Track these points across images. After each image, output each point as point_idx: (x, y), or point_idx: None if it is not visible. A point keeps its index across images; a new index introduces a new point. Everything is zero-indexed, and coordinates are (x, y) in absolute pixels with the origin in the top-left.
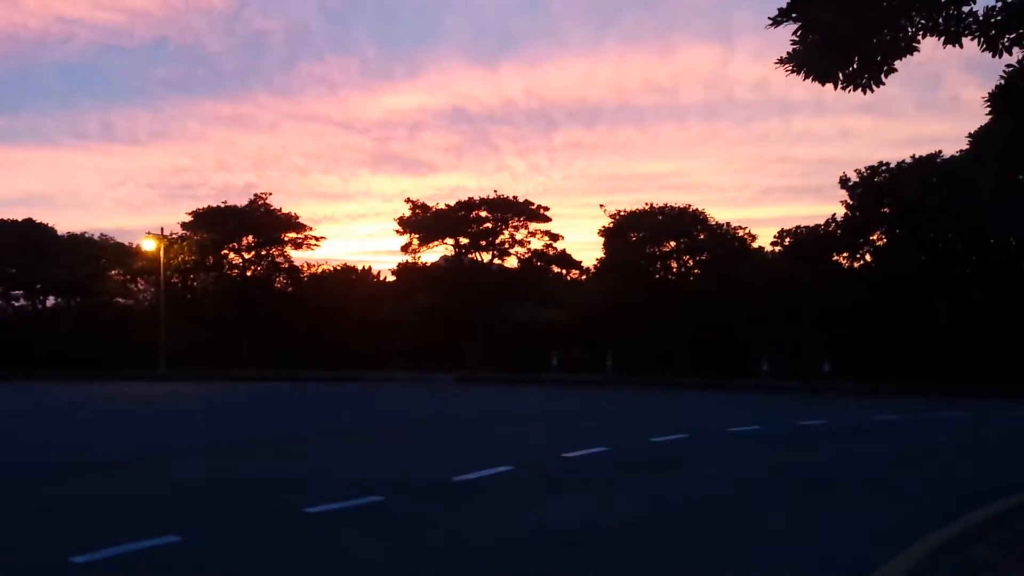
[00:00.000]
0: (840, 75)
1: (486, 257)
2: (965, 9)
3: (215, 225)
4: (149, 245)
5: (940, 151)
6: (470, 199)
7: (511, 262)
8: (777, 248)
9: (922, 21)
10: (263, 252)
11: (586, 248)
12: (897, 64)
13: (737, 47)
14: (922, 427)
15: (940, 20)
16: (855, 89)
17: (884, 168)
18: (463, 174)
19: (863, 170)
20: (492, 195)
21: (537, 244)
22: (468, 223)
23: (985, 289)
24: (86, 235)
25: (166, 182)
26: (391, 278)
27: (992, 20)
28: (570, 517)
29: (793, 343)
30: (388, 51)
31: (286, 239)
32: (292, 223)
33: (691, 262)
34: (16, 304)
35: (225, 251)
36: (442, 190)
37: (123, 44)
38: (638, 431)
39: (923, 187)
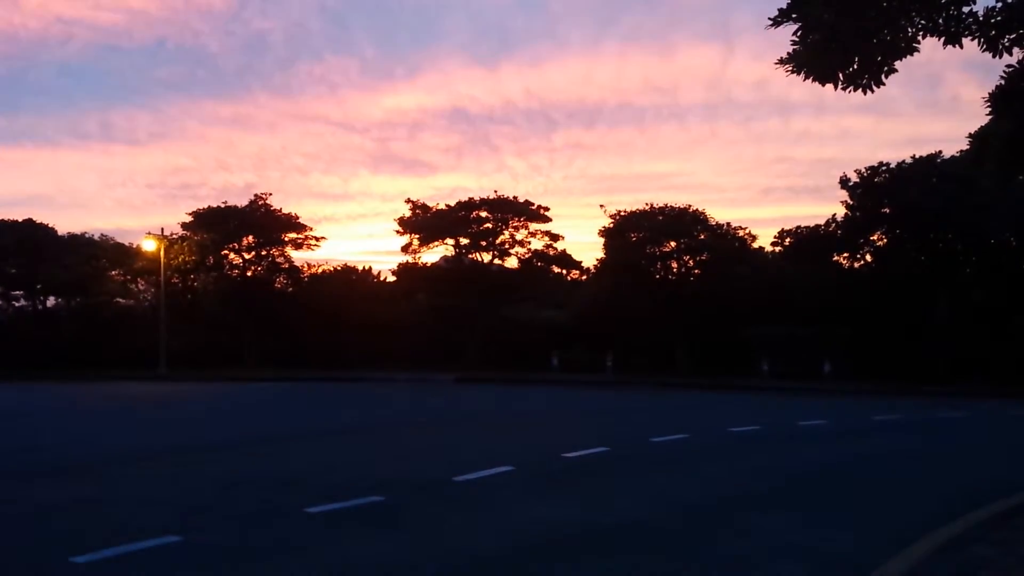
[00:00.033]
0: (840, 75)
1: (486, 257)
2: (965, 9)
3: (215, 225)
4: (149, 245)
5: (940, 151)
6: (470, 199)
7: (511, 262)
8: (777, 248)
9: (922, 21)
10: (263, 252)
11: (586, 248)
12: (897, 64)
13: (737, 47)
14: (922, 427)
15: (940, 20)
16: (855, 89)
17: (884, 168)
18: (463, 174)
19: (863, 170)
20: (492, 195)
21: (537, 244)
22: (468, 223)
23: (985, 289)
24: (86, 235)
25: (166, 182)
26: (391, 278)
27: (992, 20)
28: (571, 517)
29: (793, 343)
30: (388, 51)
31: (286, 239)
32: (292, 223)
33: (691, 262)
34: (16, 304)
35: (225, 251)
36: (442, 190)
37: (123, 44)
38: (638, 431)
39: (923, 187)
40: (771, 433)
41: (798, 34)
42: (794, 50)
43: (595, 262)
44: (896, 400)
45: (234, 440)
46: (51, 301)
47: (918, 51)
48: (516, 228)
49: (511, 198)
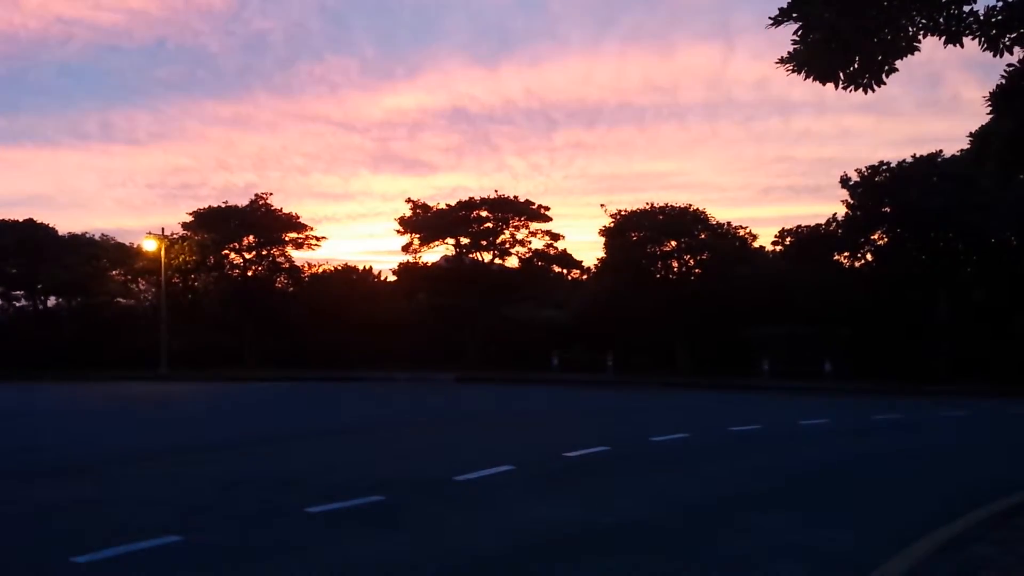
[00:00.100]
0: (841, 75)
1: (487, 257)
2: (966, 8)
3: (216, 225)
4: (150, 245)
5: (941, 151)
6: (471, 199)
7: (512, 262)
8: (778, 248)
9: (923, 20)
10: (264, 252)
11: (587, 248)
12: (898, 64)
13: (737, 47)
14: (923, 426)
15: (941, 20)
16: (856, 89)
17: (885, 168)
18: (463, 174)
19: (864, 170)
20: (492, 195)
21: (538, 244)
22: (469, 223)
23: (986, 288)
24: (87, 235)
25: (166, 182)
26: (392, 278)
27: (993, 19)
28: (571, 516)
29: (794, 342)
30: (388, 51)
31: (287, 239)
32: (293, 223)
33: (692, 262)
34: (17, 304)
35: (226, 251)
36: (442, 190)
37: (123, 44)
38: (639, 431)
39: (924, 187)
40: (771, 433)
41: (799, 33)
42: (795, 49)
43: (595, 262)
44: (896, 399)
45: (234, 440)
46: (52, 301)
47: (919, 50)
48: (516, 228)
49: (511, 198)
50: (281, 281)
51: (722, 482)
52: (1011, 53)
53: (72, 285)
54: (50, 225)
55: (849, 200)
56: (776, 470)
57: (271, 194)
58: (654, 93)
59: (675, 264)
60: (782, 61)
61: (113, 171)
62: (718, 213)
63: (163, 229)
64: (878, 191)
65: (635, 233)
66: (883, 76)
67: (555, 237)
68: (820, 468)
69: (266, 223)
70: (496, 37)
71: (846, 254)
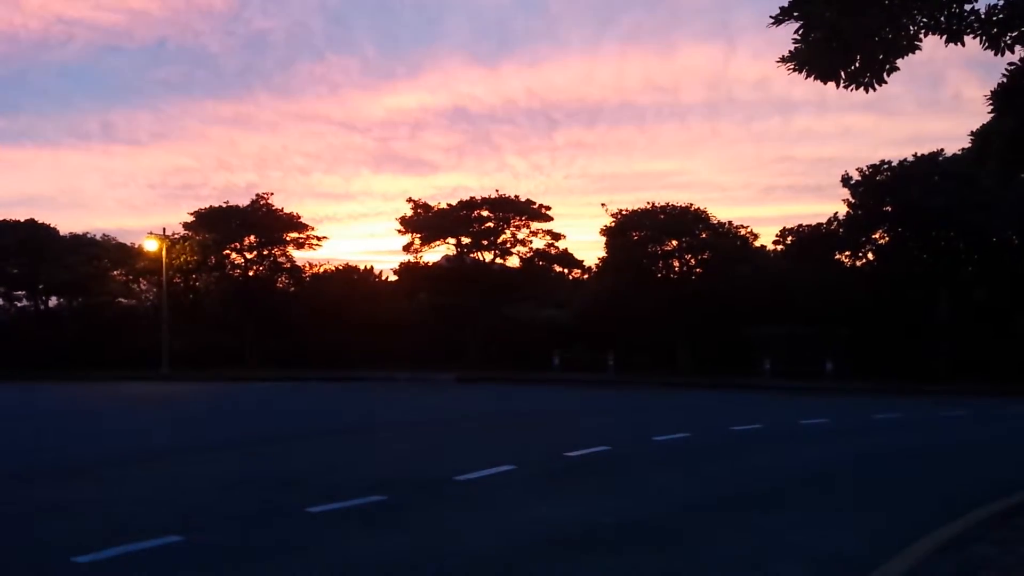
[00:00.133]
0: (842, 74)
1: (488, 256)
2: (967, 7)
3: (217, 225)
4: (151, 245)
5: (942, 149)
6: (472, 198)
7: (513, 261)
8: (779, 247)
9: (924, 19)
10: (265, 252)
11: (588, 247)
12: (899, 62)
13: (738, 46)
14: (923, 426)
15: (942, 18)
16: (857, 88)
17: (886, 167)
18: (464, 173)
19: (865, 169)
20: (493, 194)
21: (539, 243)
22: (470, 222)
23: (987, 288)
24: (88, 235)
25: (167, 182)
26: (393, 278)
27: (994, 18)
28: (572, 516)
29: (795, 342)
30: (389, 51)
31: (288, 239)
32: (294, 223)
33: (693, 261)
34: (18, 305)
35: (227, 251)
36: (443, 189)
37: (123, 45)
38: (640, 430)
39: (925, 186)
40: (772, 432)
41: (799, 32)
42: (796, 48)
43: (596, 261)
44: (897, 399)
45: (235, 440)
46: (53, 301)
47: (920, 49)
48: (517, 227)
49: (512, 197)
50: (282, 281)
51: (723, 482)
52: (1012, 52)
53: (73, 285)
54: (51, 225)
55: (850, 199)
56: (777, 470)
57: (272, 194)
58: (655, 93)
59: (676, 263)
60: (783, 60)
61: (114, 171)
62: (719, 212)
63: (164, 229)
64: (879, 190)
65: (636, 232)
66: (884, 75)
67: (556, 237)
68: (820, 468)
69: (267, 223)
70: (497, 37)
71: (847, 253)
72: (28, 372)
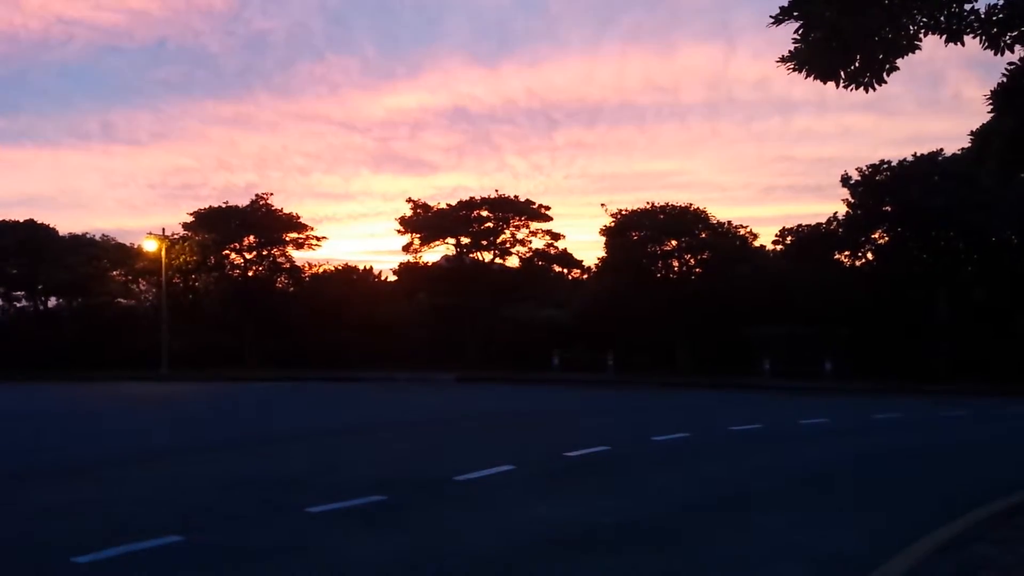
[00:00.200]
0: (842, 73)
1: (487, 257)
2: (967, 7)
3: (216, 225)
4: (150, 246)
5: (942, 149)
6: (471, 199)
7: (512, 261)
8: (778, 247)
9: (924, 19)
10: (264, 252)
11: (587, 247)
12: (899, 62)
13: (738, 46)
14: (923, 426)
15: (942, 18)
16: (857, 87)
17: (886, 166)
18: (464, 174)
19: (865, 168)
20: (493, 194)
21: (538, 243)
22: (469, 223)
23: (987, 288)
24: (87, 236)
25: (167, 182)
26: (392, 278)
27: (994, 18)
28: (571, 516)
29: (794, 342)
30: (389, 51)
31: (287, 239)
32: (293, 223)
33: (692, 261)
34: (18, 305)
35: (226, 251)
36: (443, 190)
37: (123, 45)
38: (639, 430)
39: (925, 185)
40: (772, 432)
41: (799, 32)
42: (795, 48)
43: (596, 261)
44: (897, 399)
45: (235, 440)
46: (52, 302)
47: (920, 49)
48: (517, 227)
49: (512, 197)
50: (282, 281)
51: (722, 482)
52: (1012, 51)
53: (73, 285)
54: (51, 226)
55: (850, 199)
56: (776, 470)
57: (272, 194)
58: (655, 92)
59: (676, 263)
60: (783, 60)
61: (114, 171)
62: (719, 212)
63: (164, 229)
64: (879, 190)
65: (636, 232)
66: (884, 75)
67: (556, 237)
68: (820, 468)
69: (267, 223)
70: (496, 37)
71: (847, 253)
72: (27, 372)
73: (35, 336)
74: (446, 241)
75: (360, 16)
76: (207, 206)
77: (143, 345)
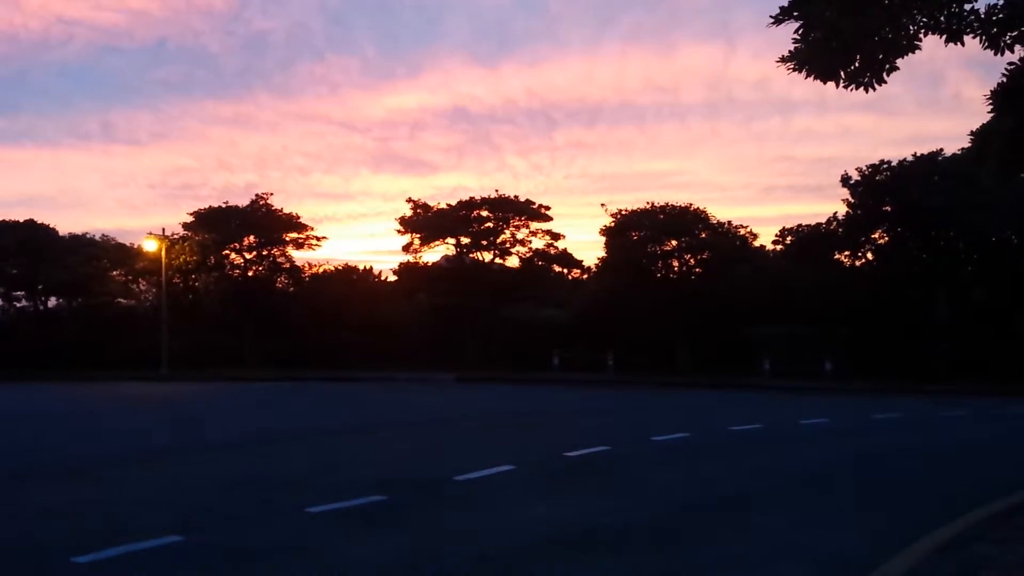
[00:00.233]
0: (842, 73)
1: (487, 257)
2: (967, 7)
3: (216, 225)
4: (150, 246)
5: (942, 149)
6: (471, 199)
7: (512, 261)
8: (778, 247)
9: (924, 19)
10: (264, 252)
11: (587, 247)
12: (899, 62)
13: (738, 46)
14: (923, 425)
15: (942, 18)
16: (857, 87)
17: (885, 166)
18: (464, 174)
19: (864, 168)
20: (493, 194)
21: (538, 243)
22: (469, 223)
23: (986, 288)
24: (87, 236)
25: (167, 182)
26: (392, 278)
27: (994, 18)
28: (571, 516)
29: (794, 342)
30: (389, 51)
31: (287, 239)
32: (293, 223)
33: (692, 261)
34: (18, 305)
35: (226, 251)
36: (443, 190)
37: (123, 45)
38: (639, 430)
39: (925, 185)
40: (772, 432)
41: (799, 32)
42: (795, 48)
43: (596, 261)
44: (897, 399)
45: (235, 440)
46: (52, 302)
47: (920, 49)
48: (517, 227)
49: (512, 197)
50: (282, 281)
51: (722, 482)
52: (1012, 51)
53: (73, 285)
54: (51, 226)
55: (850, 199)
56: (776, 470)
57: (272, 194)
58: (655, 92)
59: (676, 263)
60: (783, 60)
61: (114, 171)
62: (719, 212)
63: (164, 229)
64: (879, 190)
65: (636, 232)
66: (884, 75)
67: (556, 237)
68: (820, 468)
69: (267, 223)
70: (496, 37)
71: (847, 253)
72: (27, 372)
73: (35, 336)
74: (446, 241)
75: (360, 16)
76: (207, 206)
77: (143, 345)
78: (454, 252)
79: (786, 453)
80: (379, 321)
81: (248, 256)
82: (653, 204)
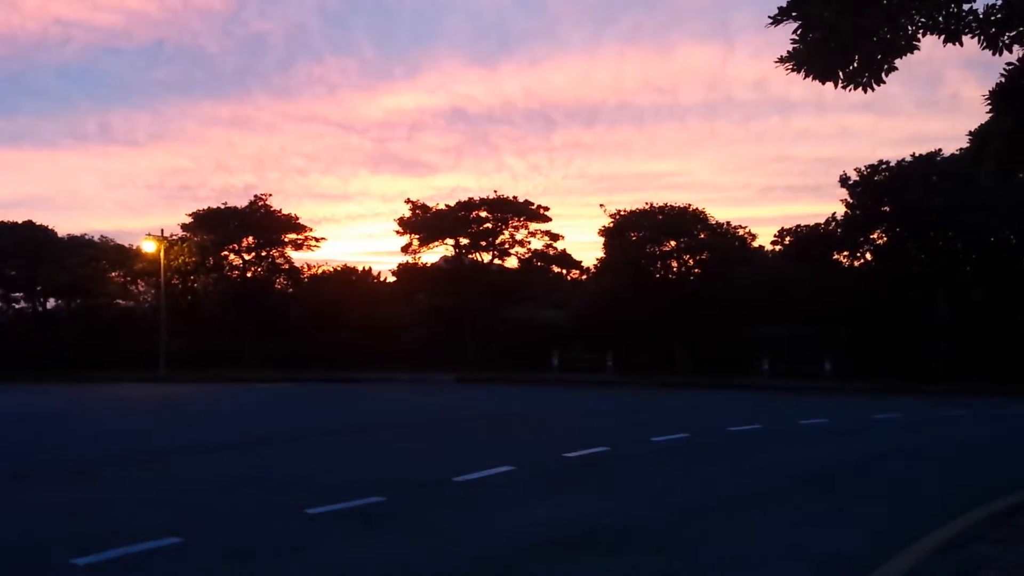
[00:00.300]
0: (840, 74)
1: (486, 257)
2: (965, 7)
3: (215, 226)
4: (149, 247)
5: (940, 149)
6: (470, 199)
7: (511, 262)
8: (777, 247)
9: (922, 19)
10: (263, 253)
11: (586, 248)
12: (897, 62)
13: (736, 46)
14: (923, 425)
15: (940, 18)
16: (855, 88)
17: (884, 167)
18: (462, 174)
19: (863, 169)
20: (492, 195)
21: (537, 244)
22: (468, 223)
23: (985, 288)
24: (86, 237)
25: (165, 183)
26: (391, 279)
27: (992, 18)
28: (571, 517)
29: (793, 342)
30: (387, 51)
31: (286, 240)
32: (292, 224)
33: (691, 261)
34: (16, 306)
35: (225, 252)
36: (441, 190)
37: (121, 46)
38: (639, 431)
39: (923, 186)
40: (771, 432)
41: (798, 32)
42: (794, 48)
43: (595, 262)
44: (897, 399)
45: (234, 441)
46: (51, 303)
47: (918, 49)
48: (516, 228)
49: (511, 198)
50: (280, 282)
51: (722, 482)
52: (1010, 51)
53: (71, 287)
54: (49, 227)
55: (848, 199)
56: (776, 470)
57: (270, 195)
58: (653, 93)
59: (674, 264)
60: (781, 60)
61: (112, 172)
62: (717, 213)
63: (162, 230)
64: (877, 190)
65: (634, 233)
66: (882, 75)
67: (554, 237)
68: (820, 468)
69: (265, 224)
70: (495, 37)
71: (845, 253)
72: (26, 374)
73: (34, 337)
74: (445, 242)
75: (358, 17)
76: (206, 207)
77: (142, 346)
78: (453, 253)
79: (786, 453)
80: (378, 322)
81: (247, 257)
82: (652, 205)
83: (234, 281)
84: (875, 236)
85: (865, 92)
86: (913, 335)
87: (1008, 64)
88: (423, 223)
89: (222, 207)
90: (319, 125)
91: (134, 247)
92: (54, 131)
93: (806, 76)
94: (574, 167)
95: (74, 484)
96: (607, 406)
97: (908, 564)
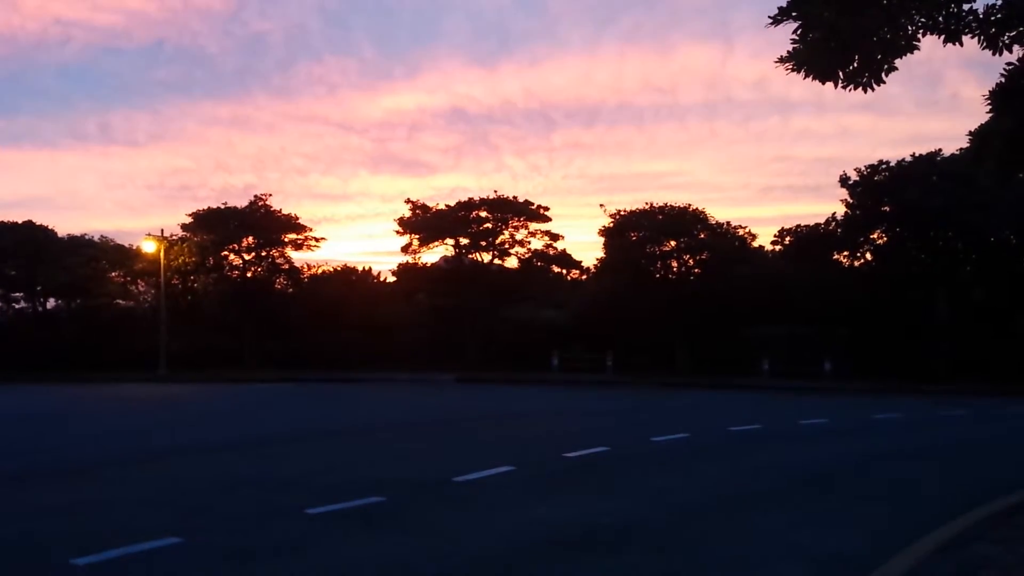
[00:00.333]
0: (840, 74)
1: (486, 257)
2: (965, 7)
3: (215, 226)
4: (149, 247)
5: (940, 149)
6: (470, 199)
7: (511, 262)
8: (777, 247)
9: (922, 19)
10: (263, 253)
11: (586, 248)
12: (897, 62)
13: (736, 46)
14: (923, 425)
15: (940, 18)
16: (855, 88)
17: (884, 167)
18: (462, 174)
19: (863, 169)
20: (492, 195)
21: (537, 244)
22: (468, 223)
23: (985, 288)
24: (86, 237)
25: (165, 183)
26: (391, 279)
27: (992, 18)
28: (571, 517)
29: (793, 342)
30: (387, 51)
31: (286, 240)
32: (292, 224)
33: (691, 261)
34: (16, 306)
35: (225, 252)
36: (441, 190)
37: (121, 46)
38: (639, 431)
39: (923, 186)
40: (771, 432)
41: (798, 32)
42: (794, 48)
43: (595, 262)
44: (897, 399)
45: (234, 441)
46: (51, 303)
47: (918, 49)
48: (516, 228)
49: (511, 198)
50: (280, 282)
51: (722, 482)
52: (1010, 51)
53: (71, 287)
54: (49, 227)
55: (848, 199)
56: (776, 470)
57: (270, 195)
58: (653, 93)
59: (674, 264)
60: (781, 60)
61: (112, 172)
62: (717, 213)
63: (162, 230)
64: (877, 190)
65: (634, 233)
66: (882, 75)
67: (554, 237)
68: (820, 468)
69: (265, 224)
70: (495, 37)
71: (845, 253)
72: (26, 374)
73: (34, 337)
74: (445, 242)
75: (358, 17)
76: (205, 207)
77: (142, 346)
78: (453, 253)
79: (786, 453)
80: (378, 322)
81: (247, 257)
82: (652, 204)
83: (234, 281)
84: (875, 236)
85: (865, 92)
86: (913, 335)
87: (1008, 64)
88: (423, 223)
89: (222, 207)
90: (319, 125)
91: (134, 247)
92: (54, 131)
93: (806, 76)
94: (574, 167)
95: (74, 484)
96: (607, 406)
97: (908, 564)
